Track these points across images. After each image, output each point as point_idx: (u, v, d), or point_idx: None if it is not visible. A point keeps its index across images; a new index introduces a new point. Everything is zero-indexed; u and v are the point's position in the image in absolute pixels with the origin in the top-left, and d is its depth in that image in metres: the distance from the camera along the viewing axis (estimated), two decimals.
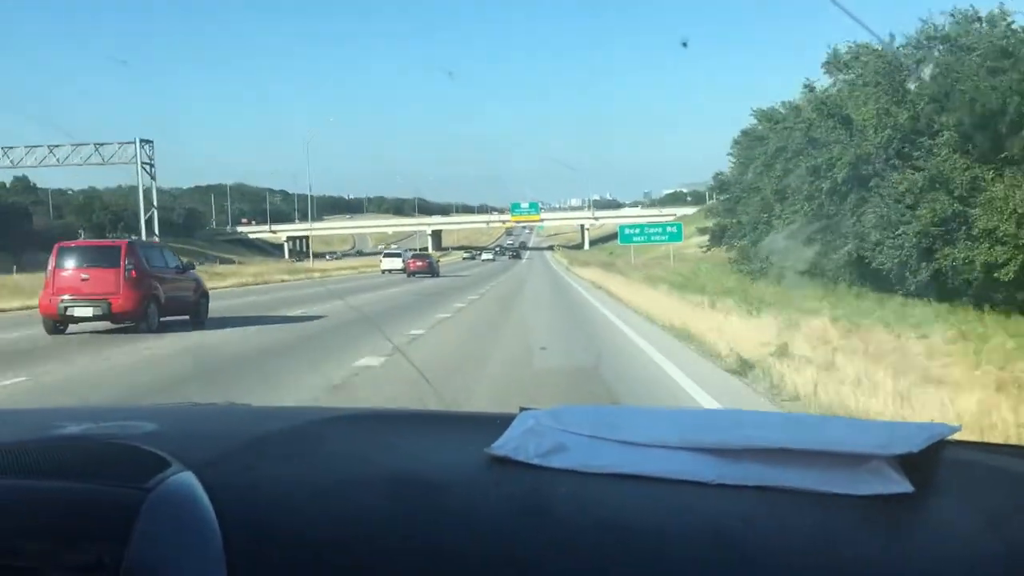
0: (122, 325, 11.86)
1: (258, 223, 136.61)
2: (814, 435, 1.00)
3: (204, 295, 13.89)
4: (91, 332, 11.87)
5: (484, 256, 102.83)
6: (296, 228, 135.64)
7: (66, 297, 11.85)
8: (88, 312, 11.81)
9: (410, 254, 47.22)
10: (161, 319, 12.39)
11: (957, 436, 1.12)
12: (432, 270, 41.32)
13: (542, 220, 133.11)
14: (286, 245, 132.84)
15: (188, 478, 0.92)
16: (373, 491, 0.95)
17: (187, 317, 13.01)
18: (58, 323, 11.99)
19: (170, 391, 7.58)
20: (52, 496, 0.88)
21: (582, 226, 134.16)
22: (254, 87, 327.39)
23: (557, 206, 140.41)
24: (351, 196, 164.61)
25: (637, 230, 51.30)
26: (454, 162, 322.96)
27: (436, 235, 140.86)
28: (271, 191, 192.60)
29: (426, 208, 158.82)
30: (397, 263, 44.29)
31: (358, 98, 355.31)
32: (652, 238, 49.51)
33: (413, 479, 0.97)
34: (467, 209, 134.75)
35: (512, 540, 0.88)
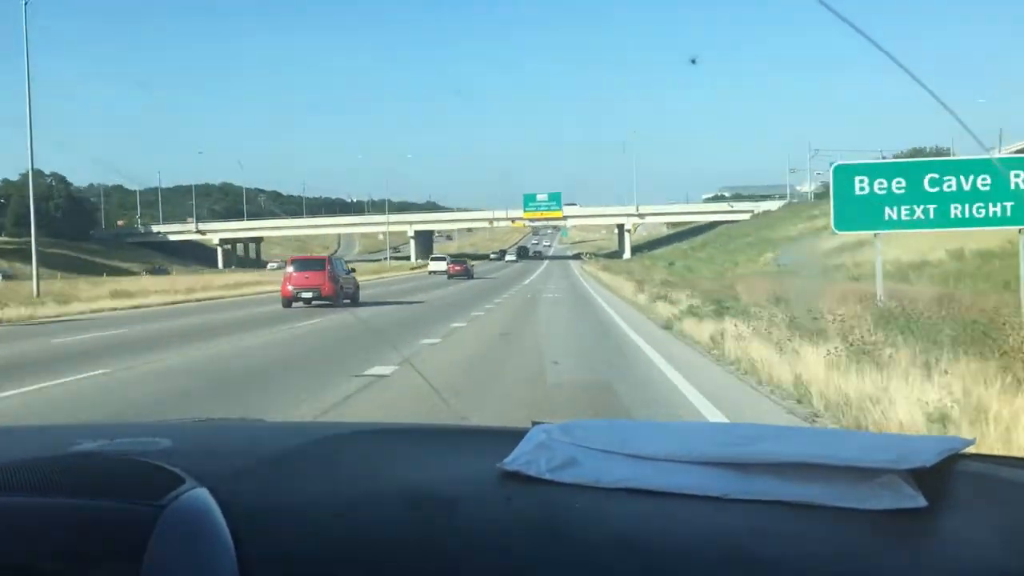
0: (324, 304, 23.32)
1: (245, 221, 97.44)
2: (827, 449, 1.05)
3: (357, 287, 26.12)
4: (305, 307, 23.28)
5: (508, 258, 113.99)
6: (231, 227, 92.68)
7: (296, 287, 23.60)
8: (308, 295, 23.38)
9: (449, 259, 60.18)
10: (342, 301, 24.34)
11: (971, 450, 1.15)
12: (468, 273, 53.45)
13: (565, 218, 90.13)
14: (219, 249, 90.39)
15: (202, 495, 0.96)
16: (386, 507, 1.01)
17: (349, 301, 24.59)
18: (290, 301, 23.52)
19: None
20: (66, 513, 0.92)
21: (620, 227, 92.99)
22: (250, 87, 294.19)
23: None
24: (353, 199, 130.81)
25: (910, 179, 13.21)
26: (470, 170, 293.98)
27: (424, 238, 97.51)
28: (261, 191, 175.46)
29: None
30: (442, 266, 57.97)
31: (367, 102, 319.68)
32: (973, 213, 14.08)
33: (426, 495, 1.03)
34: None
35: (524, 555, 0.92)
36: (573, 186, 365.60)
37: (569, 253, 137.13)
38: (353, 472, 1.19)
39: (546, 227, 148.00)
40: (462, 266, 55.45)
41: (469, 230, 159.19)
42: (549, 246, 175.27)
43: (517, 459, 1.07)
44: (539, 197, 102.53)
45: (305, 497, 1.04)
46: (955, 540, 0.95)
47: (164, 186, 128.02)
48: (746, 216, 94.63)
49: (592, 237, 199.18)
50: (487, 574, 0.89)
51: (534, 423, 1.21)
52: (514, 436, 1.16)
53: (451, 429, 1.81)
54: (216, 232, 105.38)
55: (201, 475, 1.00)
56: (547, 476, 1.04)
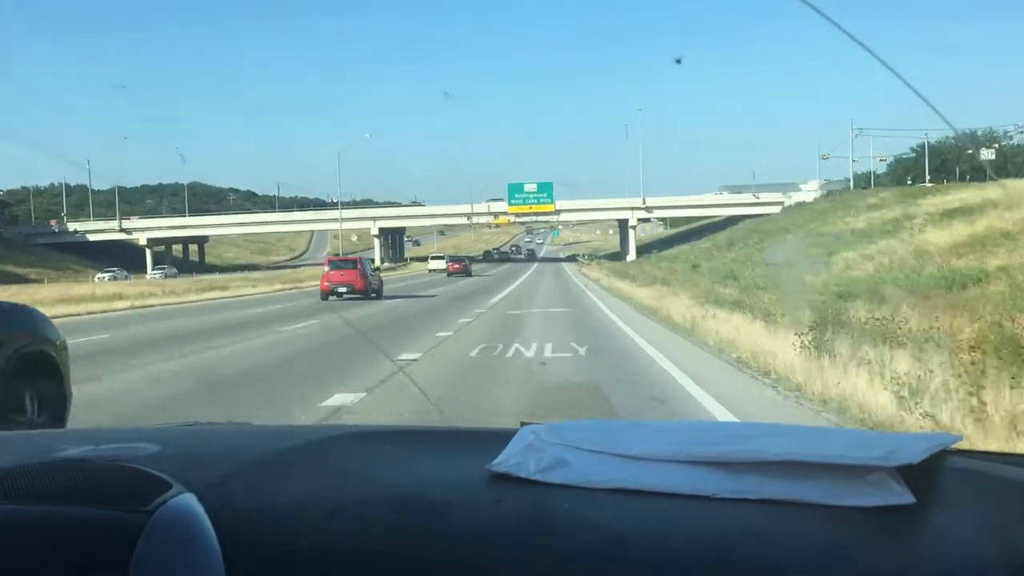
0: (355, 297, 30.35)
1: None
2: (815, 447, 1.09)
3: (381, 283, 34.48)
4: (340, 300, 29.21)
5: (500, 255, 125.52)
6: (162, 225, 74.75)
7: (332, 283, 30.84)
8: (343, 289, 30.36)
9: (447, 258, 67.81)
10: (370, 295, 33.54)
11: (958, 446, 1.18)
12: (467, 271, 60.85)
13: (558, 212, 72.94)
14: (148, 251, 70.03)
15: (189, 500, 0.99)
16: (375, 511, 1.05)
17: (375, 295, 32.21)
18: (328, 295, 30.42)
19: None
20: (51, 520, 0.95)
21: (623, 223, 75.15)
22: (225, 85, 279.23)
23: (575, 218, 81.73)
24: (334, 198, 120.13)
25: None
26: (458, 168, 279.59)
27: (394, 237, 79.39)
28: (235, 190, 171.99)
29: None
30: (442, 264, 65.30)
31: (349, 98, 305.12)
32: None
33: (414, 498, 1.07)
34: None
35: (514, 557, 0.95)
36: (566, 184, 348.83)
37: (562, 255, 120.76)
38: (341, 475, 1.22)
39: (536, 223, 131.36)
40: (461, 264, 62.62)
41: (442, 232, 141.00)
42: (542, 244, 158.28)
43: (506, 460, 1.11)
44: (527, 188, 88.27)
45: (293, 501, 1.08)
46: (943, 536, 0.98)
47: (129, 186, 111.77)
48: (775, 209, 78.48)
49: (585, 238, 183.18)
50: None
51: (522, 424, 1.24)
52: (502, 437, 1.20)
53: (439, 431, 1.82)
54: (144, 231, 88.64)
55: (188, 480, 1.02)
56: (536, 477, 1.07)
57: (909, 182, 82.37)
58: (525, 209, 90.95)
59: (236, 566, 0.87)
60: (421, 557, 0.91)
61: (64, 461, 1.22)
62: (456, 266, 61.44)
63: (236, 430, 1.77)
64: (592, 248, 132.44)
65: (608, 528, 0.97)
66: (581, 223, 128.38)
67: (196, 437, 1.57)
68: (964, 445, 1.18)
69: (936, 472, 1.06)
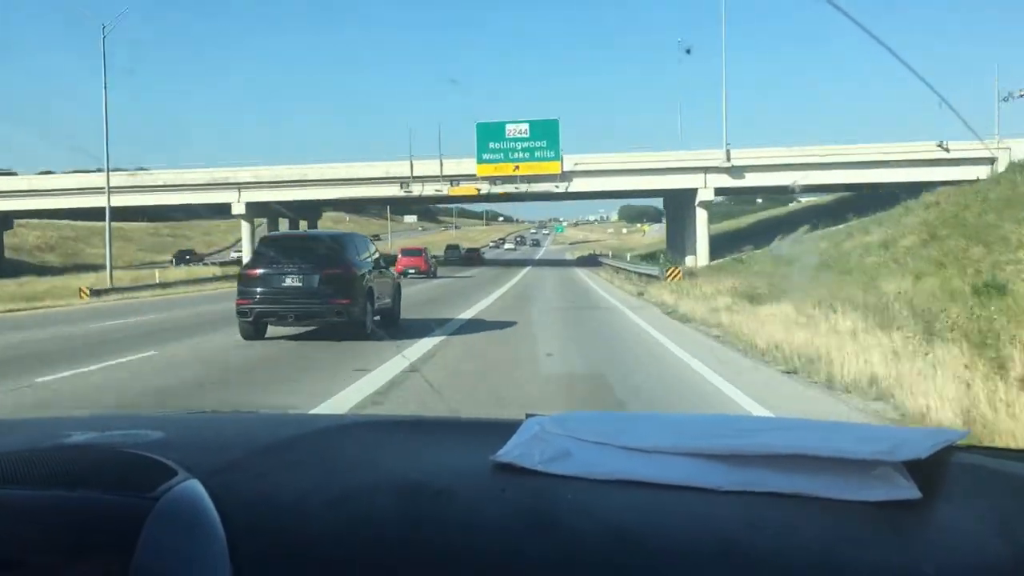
0: (420, 276, 47.64)
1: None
2: (822, 441, 1.14)
3: (436, 265, 53.71)
4: (410, 278, 43.37)
5: (507, 246, 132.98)
6: None
7: (404, 265, 47.42)
8: (412, 270, 47.60)
9: (464, 250, 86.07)
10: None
11: (965, 441, 1.21)
12: (481, 260, 79.17)
13: (567, 175, 25.90)
14: None
15: (194, 486, 1.03)
16: (380, 499, 1.11)
17: (433, 275, 50.81)
18: (401, 274, 37.19)
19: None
20: (57, 506, 0.99)
21: (683, 199, 26.21)
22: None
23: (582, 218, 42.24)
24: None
25: None
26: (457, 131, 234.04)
27: (293, 220, 31.71)
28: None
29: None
30: (457, 255, 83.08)
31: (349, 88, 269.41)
32: None
33: (419, 487, 1.13)
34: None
35: (518, 547, 0.99)
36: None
37: (569, 255, 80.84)
38: (346, 464, 1.27)
39: (528, 193, 75.84)
40: (476, 253, 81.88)
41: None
42: (548, 234, 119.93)
43: (511, 451, 1.15)
44: (511, 130, 48.88)
45: (297, 489, 1.12)
46: (949, 531, 1.02)
47: (59, 171, 76.97)
48: (976, 171, 39.21)
49: (595, 236, 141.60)
50: (481, 566, 0.94)
51: (528, 415, 1.29)
52: (507, 428, 1.25)
53: (444, 421, 1.86)
54: None
55: (193, 467, 1.07)
56: (541, 468, 1.12)
57: None
58: (507, 170, 49.75)
59: (240, 552, 0.89)
60: (425, 546, 0.94)
61: (69, 447, 1.26)
62: (471, 254, 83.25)
63: (241, 418, 1.79)
64: (609, 248, 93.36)
65: (612, 520, 0.99)
66: (597, 219, 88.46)
67: (201, 424, 1.61)
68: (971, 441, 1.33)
69: (943, 467, 1.09)
